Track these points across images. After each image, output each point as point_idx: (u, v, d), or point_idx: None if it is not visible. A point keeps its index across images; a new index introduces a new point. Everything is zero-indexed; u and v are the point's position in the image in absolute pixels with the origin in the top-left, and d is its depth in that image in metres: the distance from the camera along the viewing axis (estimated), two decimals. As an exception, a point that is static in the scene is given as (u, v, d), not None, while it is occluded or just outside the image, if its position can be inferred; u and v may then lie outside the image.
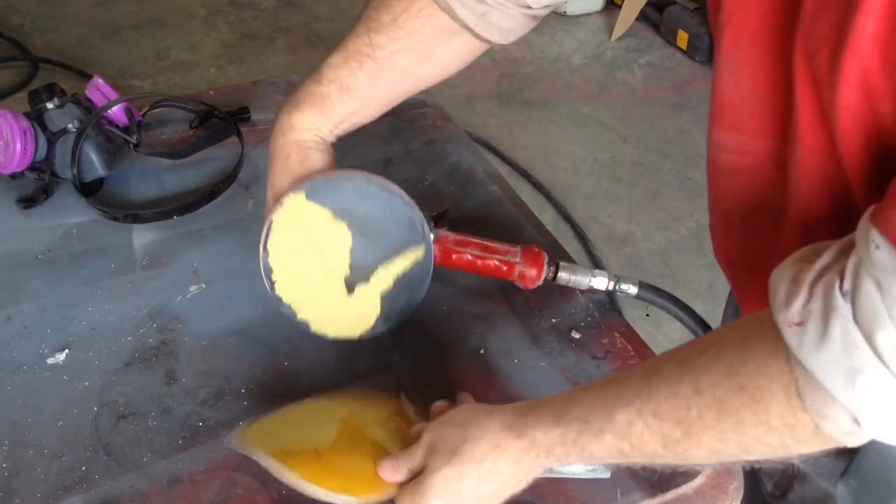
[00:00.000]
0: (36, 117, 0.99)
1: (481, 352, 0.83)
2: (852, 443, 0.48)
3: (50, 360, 0.80)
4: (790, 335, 0.46)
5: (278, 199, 0.76)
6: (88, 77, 1.36)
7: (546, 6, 0.75)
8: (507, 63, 3.20)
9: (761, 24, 0.56)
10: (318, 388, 0.78)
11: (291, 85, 1.24)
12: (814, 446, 0.49)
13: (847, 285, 0.44)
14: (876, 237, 0.43)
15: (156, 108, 1.14)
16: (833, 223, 0.56)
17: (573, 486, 0.71)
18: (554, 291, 0.90)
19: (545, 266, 0.84)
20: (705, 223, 0.80)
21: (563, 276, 0.85)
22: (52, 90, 1.00)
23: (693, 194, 2.57)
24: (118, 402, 0.77)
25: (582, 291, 0.91)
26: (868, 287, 0.43)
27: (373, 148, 1.12)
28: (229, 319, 0.86)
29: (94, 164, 1.00)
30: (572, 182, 2.63)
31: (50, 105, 0.99)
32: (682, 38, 3.23)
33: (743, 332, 0.52)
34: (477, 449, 0.60)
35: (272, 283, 0.77)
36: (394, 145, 1.13)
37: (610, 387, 0.58)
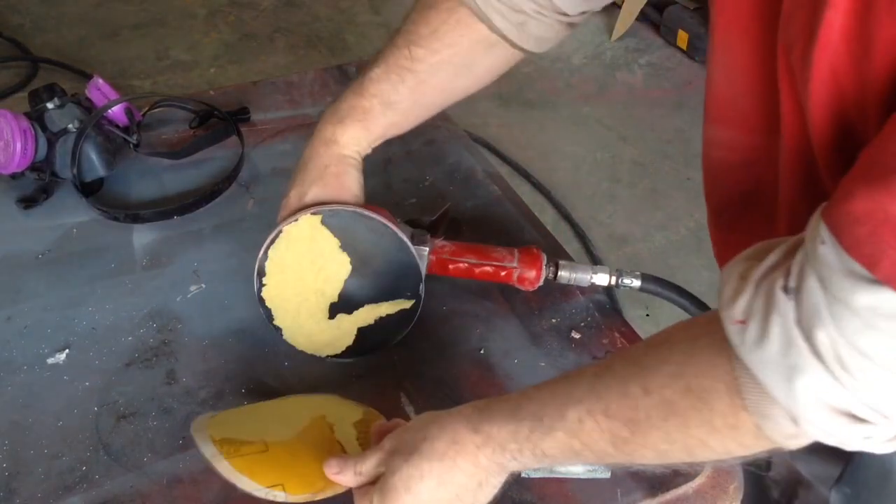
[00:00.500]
0: (36, 117, 0.99)
1: (481, 352, 0.84)
2: (793, 446, 0.47)
3: (50, 360, 0.80)
4: (733, 333, 0.46)
5: (301, 203, 0.77)
6: (88, 77, 1.36)
7: (582, 13, 0.75)
8: (507, 63, 3.20)
9: (750, 19, 0.56)
10: (318, 388, 0.79)
11: (291, 85, 1.24)
12: (755, 448, 0.49)
13: (792, 282, 0.43)
14: (823, 232, 0.42)
15: (156, 108, 1.14)
16: None
17: (573, 486, 0.71)
18: (554, 291, 0.90)
19: (544, 267, 0.84)
20: (705, 223, 0.79)
21: (564, 274, 0.85)
22: (52, 90, 1.00)
23: (693, 194, 2.57)
24: (118, 402, 0.77)
25: (582, 291, 0.91)
26: (811, 284, 0.42)
27: (373, 148, 1.12)
28: (229, 319, 0.86)
29: (95, 164, 1.00)
30: (572, 182, 2.63)
31: (50, 105, 0.99)
32: (682, 38, 3.23)
33: (691, 331, 0.52)
34: (436, 445, 0.59)
35: (261, 285, 0.79)
36: (394, 145, 1.13)
37: (563, 384, 0.58)
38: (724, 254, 0.76)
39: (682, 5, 3.27)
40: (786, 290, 0.44)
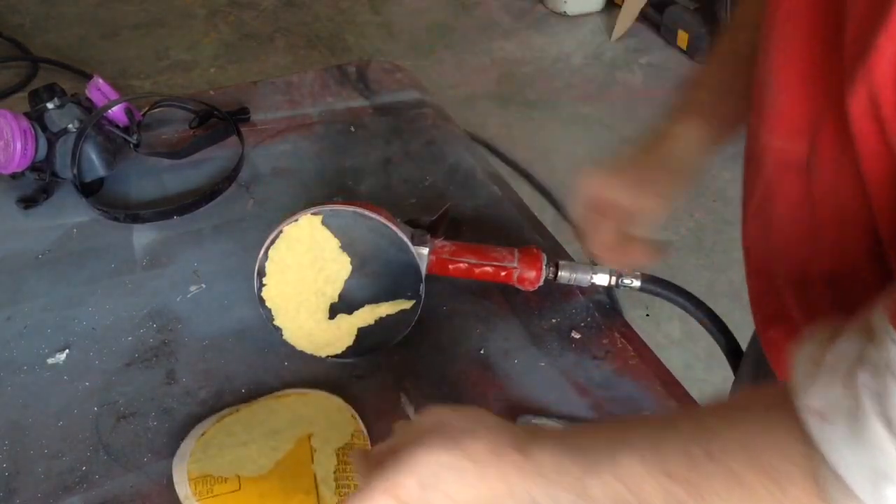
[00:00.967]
0: (36, 117, 0.99)
1: (481, 352, 0.84)
2: None
3: (50, 360, 0.80)
4: (814, 426, 0.43)
5: (601, 191, 0.75)
6: (88, 77, 1.36)
7: None
8: (507, 63, 3.21)
9: (811, 21, 0.54)
10: (317, 388, 0.78)
11: (291, 85, 1.24)
12: None
13: (872, 384, 0.41)
14: (893, 334, 0.40)
15: (156, 108, 1.14)
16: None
17: (573, 486, 0.71)
18: (554, 291, 0.90)
19: (544, 267, 0.84)
20: (705, 223, 0.79)
21: (564, 274, 0.85)
22: (52, 90, 1.00)
23: (693, 194, 2.57)
24: (118, 402, 0.77)
25: (582, 291, 0.91)
26: (893, 389, 0.40)
27: (373, 148, 1.12)
28: (229, 319, 0.86)
29: (95, 164, 1.00)
30: (572, 182, 2.62)
31: (50, 105, 0.99)
32: (682, 38, 3.23)
33: (764, 401, 0.48)
34: (476, 445, 0.53)
35: (261, 285, 0.79)
36: (394, 145, 1.13)
37: (619, 428, 0.54)
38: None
39: (682, 5, 3.27)
40: (868, 390, 0.41)
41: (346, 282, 0.79)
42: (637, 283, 0.85)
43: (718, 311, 0.92)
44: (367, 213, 0.77)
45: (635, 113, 2.94)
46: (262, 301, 0.80)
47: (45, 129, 0.99)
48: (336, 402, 0.76)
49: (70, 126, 0.99)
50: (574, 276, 0.85)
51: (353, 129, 1.16)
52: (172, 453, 0.72)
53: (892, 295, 0.42)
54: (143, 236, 0.95)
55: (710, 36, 3.13)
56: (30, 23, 3.28)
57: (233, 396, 0.78)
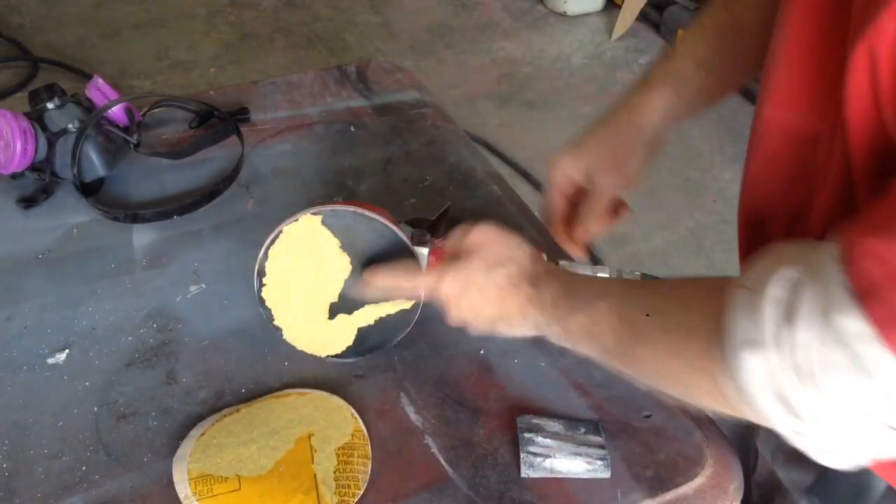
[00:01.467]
0: (36, 117, 0.99)
1: (481, 352, 0.84)
2: (747, 415, 0.50)
3: (50, 360, 0.80)
4: (730, 293, 0.50)
5: (576, 167, 0.77)
6: (88, 77, 1.36)
7: None
8: (507, 63, 3.21)
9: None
10: (317, 388, 0.79)
11: (291, 85, 1.24)
12: (717, 402, 0.53)
13: (792, 275, 0.46)
14: (832, 247, 0.45)
15: (156, 108, 1.14)
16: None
17: (573, 486, 0.71)
18: (554, 291, 0.90)
19: (545, 266, 0.84)
20: (705, 223, 0.79)
21: (563, 275, 0.85)
22: (52, 90, 1.01)
23: (693, 194, 2.57)
24: (118, 402, 0.77)
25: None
26: (809, 289, 0.45)
27: (373, 148, 1.12)
28: (229, 319, 0.86)
29: (95, 164, 1.00)
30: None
31: (50, 105, 0.99)
32: (682, 38, 3.23)
33: (710, 280, 0.56)
34: (501, 275, 0.67)
35: (261, 285, 0.79)
36: (394, 145, 1.13)
37: (604, 283, 0.67)
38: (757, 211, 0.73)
39: (682, 5, 3.27)
40: (790, 279, 0.46)
41: (346, 282, 0.79)
42: (637, 283, 0.85)
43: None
44: (367, 213, 0.77)
45: (635, 113, 2.93)
46: (262, 301, 0.80)
47: (45, 129, 0.99)
48: (336, 401, 0.76)
49: (70, 126, 0.99)
50: (574, 275, 0.85)
51: (353, 129, 1.16)
52: (172, 453, 0.72)
53: (846, 224, 0.46)
54: (143, 236, 0.95)
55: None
56: (30, 23, 3.28)
57: (233, 396, 0.78)
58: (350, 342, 0.81)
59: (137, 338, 0.83)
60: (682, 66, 0.75)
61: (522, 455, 0.72)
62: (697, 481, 0.72)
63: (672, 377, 0.57)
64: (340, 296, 0.80)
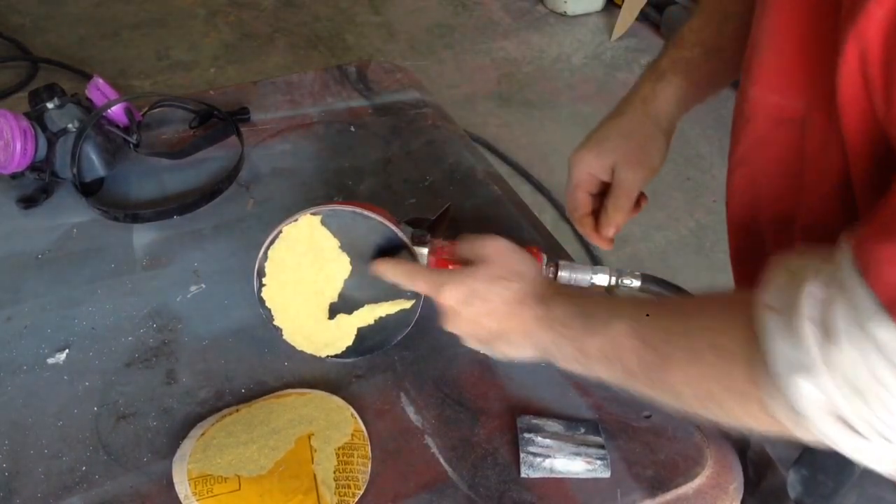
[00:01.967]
0: (36, 117, 0.99)
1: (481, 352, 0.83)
2: (800, 435, 0.49)
3: (50, 360, 0.80)
4: (761, 316, 0.49)
5: (598, 161, 0.76)
6: (88, 77, 1.36)
7: None
8: (507, 63, 3.21)
9: None
10: (317, 388, 0.79)
11: (291, 85, 1.24)
12: (764, 423, 0.51)
13: (818, 293, 0.46)
14: (848, 256, 0.44)
15: (156, 108, 1.14)
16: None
17: (573, 486, 0.71)
18: (554, 291, 0.90)
19: (544, 266, 0.84)
20: (705, 223, 0.79)
21: (564, 274, 0.85)
22: (52, 90, 1.00)
23: (693, 194, 2.57)
24: (118, 402, 0.77)
25: (583, 290, 0.91)
26: (838, 303, 0.44)
27: (373, 148, 1.12)
28: (229, 319, 0.86)
29: (94, 164, 1.00)
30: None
31: (50, 105, 0.99)
32: (682, 38, 3.23)
33: (735, 296, 0.55)
34: (508, 291, 0.65)
35: (261, 285, 0.79)
36: (394, 145, 1.13)
37: (617, 301, 0.65)
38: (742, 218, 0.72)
39: (682, 5, 3.27)
40: (815, 298, 0.46)
41: (346, 282, 0.79)
42: (637, 283, 0.85)
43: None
44: (366, 213, 0.77)
45: (635, 113, 2.94)
46: (261, 301, 0.80)
47: (45, 129, 0.99)
48: (336, 401, 0.76)
49: (70, 126, 0.99)
50: (574, 276, 0.85)
51: (353, 129, 1.16)
52: (172, 453, 0.72)
53: (855, 227, 0.45)
54: (143, 236, 0.95)
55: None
56: (30, 23, 3.28)
57: (233, 396, 0.78)
58: (350, 342, 0.81)
59: (137, 338, 0.83)
60: (691, 54, 0.75)
61: (522, 455, 0.72)
62: (697, 481, 0.72)
63: (709, 401, 0.54)
64: (340, 296, 0.80)
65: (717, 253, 2.34)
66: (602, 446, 0.74)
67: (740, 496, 0.73)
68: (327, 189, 1.04)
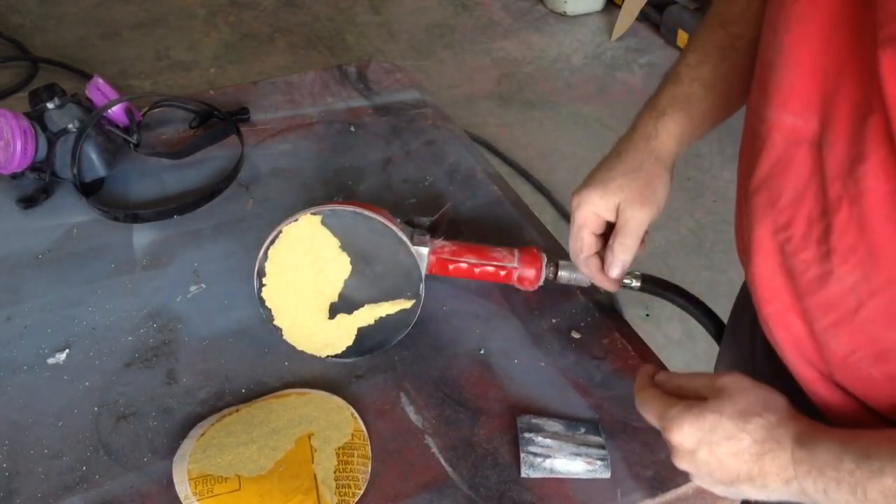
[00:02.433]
0: (36, 117, 0.99)
1: (481, 352, 0.84)
2: None
3: (50, 360, 0.80)
4: None
5: (603, 200, 0.74)
6: (88, 77, 1.36)
7: None
8: (507, 63, 3.21)
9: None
10: (317, 388, 0.79)
11: (291, 85, 1.24)
12: None
13: None
14: None
15: (156, 108, 1.14)
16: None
17: (573, 486, 0.71)
18: (554, 291, 0.90)
19: (544, 267, 0.84)
20: (705, 223, 0.79)
21: (564, 274, 0.85)
22: (52, 90, 1.00)
23: (693, 194, 2.57)
24: (118, 402, 0.77)
25: (582, 291, 0.91)
26: None
27: (373, 148, 1.12)
28: (229, 319, 0.86)
29: (95, 164, 1.00)
30: (572, 182, 2.62)
31: (50, 105, 0.99)
32: (682, 38, 3.23)
33: None
34: (760, 432, 0.58)
35: (261, 285, 0.79)
36: (394, 145, 1.13)
37: (892, 435, 0.55)
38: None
39: (682, 5, 3.27)
40: None
41: (346, 282, 0.79)
42: (637, 283, 0.85)
43: (718, 311, 0.92)
44: (366, 213, 0.77)
45: (635, 113, 2.94)
46: (262, 301, 0.80)
47: (45, 129, 0.99)
48: (336, 401, 0.76)
49: (70, 126, 0.99)
50: (574, 276, 0.85)
51: (353, 129, 1.16)
52: (172, 453, 0.72)
53: None
54: (143, 236, 0.95)
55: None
56: (30, 23, 3.28)
57: (233, 396, 0.78)
58: (350, 342, 0.81)
59: (137, 338, 0.83)
60: (690, 90, 0.74)
61: (522, 455, 0.72)
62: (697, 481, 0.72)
63: None
64: (340, 296, 0.80)
65: (717, 253, 2.34)
66: (602, 446, 0.74)
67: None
68: (327, 189, 1.04)
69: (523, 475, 0.72)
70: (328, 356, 0.81)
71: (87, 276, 0.90)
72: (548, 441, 0.73)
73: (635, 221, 0.74)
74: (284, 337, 0.81)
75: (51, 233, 0.95)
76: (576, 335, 0.86)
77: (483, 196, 1.05)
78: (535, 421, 0.76)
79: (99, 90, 1.05)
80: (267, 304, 0.80)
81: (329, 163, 1.09)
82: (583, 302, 0.90)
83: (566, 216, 2.47)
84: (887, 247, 0.53)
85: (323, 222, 0.77)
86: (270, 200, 1.02)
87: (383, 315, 0.80)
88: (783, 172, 0.60)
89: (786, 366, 0.66)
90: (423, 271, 0.81)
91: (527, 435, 0.74)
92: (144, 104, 1.13)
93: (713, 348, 0.95)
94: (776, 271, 0.62)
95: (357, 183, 1.06)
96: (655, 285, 0.87)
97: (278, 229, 0.77)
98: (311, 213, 0.77)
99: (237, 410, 0.75)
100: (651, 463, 0.74)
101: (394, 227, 0.77)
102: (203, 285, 0.90)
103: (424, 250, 0.82)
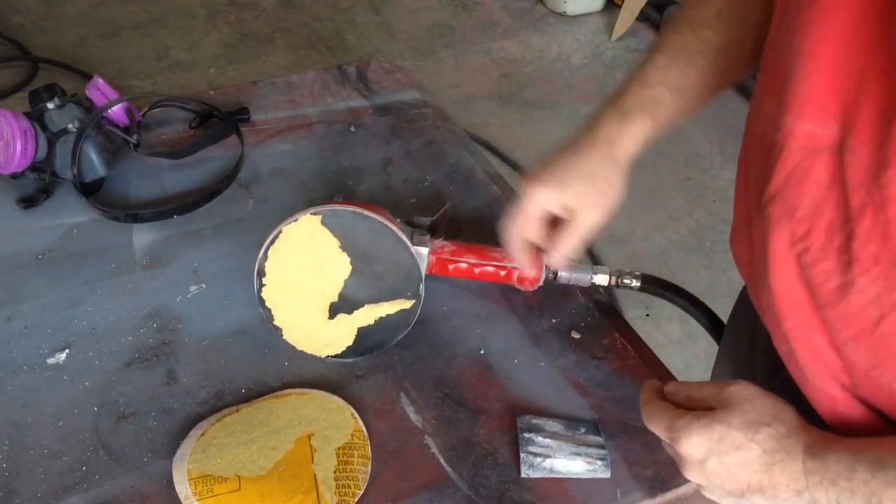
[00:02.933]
0: (36, 117, 0.99)
1: (481, 352, 0.84)
2: None
3: (50, 360, 0.80)
4: None
5: (556, 197, 0.72)
6: (88, 77, 1.36)
7: None
8: (507, 63, 3.21)
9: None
10: (317, 388, 0.79)
11: (291, 85, 1.24)
12: None
13: None
14: None
15: (156, 108, 1.14)
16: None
17: (573, 486, 0.71)
18: (554, 291, 0.90)
19: (544, 267, 0.85)
20: (705, 223, 0.79)
21: (564, 274, 0.85)
22: (52, 90, 1.00)
23: (693, 194, 2.57)
24: (118, 402, 0.77)
25: (582, 291, 0.91)
26: None
27: (373, 148, 1.12)
28: (229, 319, 0.86)
29: (95, 164, 1.00)
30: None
31: (50, 105, 0.99)
32: (682, 38, 3.23)
33: None
34: (769, 442, 0.58)
35: (261, 285, 0.79)
36: (394, 145, 1.13)
37: None
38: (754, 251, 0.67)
39: (681, 5, 3.27)
40: None
41: (346, 282, 0.79)
42: (637, 283, 0.85)
43: (718, 311, 0.92)
44: (366, 213, 0.77)
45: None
46: (262, 301, 0.80)
47: (45, 129, 0.99)
48: (336, 401, 0.77)
49: (70, 126, 0.99)
50: (574, 276, 0.85)
51: (353, 129, 1.16)
52: (172, 453, 0.72)
53: None
54: (143, 236, 0.95)
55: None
56: (30, 23, 3.28)
57: (233, 396, 0.78)
58: (350, 342, 0.81)
59: (137, 338, 0.83)
60: (657, 94, 0.74)
61: (522, 455, 0.73)
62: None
63: None
64: (340, 296, 0.80)
65: (716, 253, 2.34)
66: (602, 446, 0.74)
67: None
68: (327, 189, 1.04)
69: (523, 475, 0.72)
70: (328, 356, 0.81)
71: (87, 276, 0.90)
72: (548, 441, 0.73)
73: (587, 224, 0.74)
74: (284, 337, 0.81)
75: (51, 233, 0.95)
76: (576, 335, 0.86)
77: (483, 196, 1.05)
78: (535, 421, 0.76)
79: (99, 90, 1.05)
80: (267, 304, 0.80)
81: (329, 163, 1.09)
82: (583, 302, 0.90)
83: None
84: None
85: (323, 222, 0.77)
86: (270, 200, 1.02)
87: (383, 315, 0.80)
88: (801, 182, 0.59)
89: (796, 378, 0.65)
90: (423, 271, 0.81)
91: (527, 435, 0.74)
92: (144, 104, 1.13)
93: (713, 348, 0.95)
94: (794, 283, 0.61)
95: (357, 183, 1.06)
96: (655, 285, 0.87)
97: (278, 229, 0.77)
98: (311, 213, 0.77)
99: (237, 410, 0.75)
100: (651, 463, 0.74)
101: (394, 227, 0.78)
102: (203, 285, 0.90)
103: (424, 250, 0.82)
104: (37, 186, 1.00)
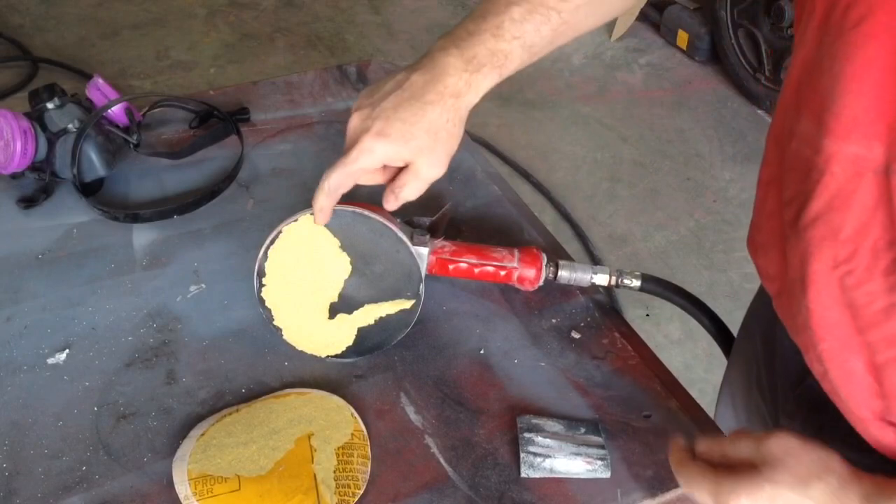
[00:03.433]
0: (36, 117, 0.99)
1: (481, 352, 0.84)
2: None
3: (50, 360, 0.80)
4: None
5: (395, 149, 0.71)
6: (88, 77, 1.36)
7: None
8: (507, 63, 3.20)
9: None
10: (317, 388, 0.79)
11: (291, 85, 1.24)
12: None
13: None
14: None
15: (156, 108, 1.14)
16: None
17: (573, 486, 0.71)
18: (554, 291, 0.90)
19: (544, 266, 0.85)
20: (705, 223, 0.79)
21: (564, 274, 0.85)
22: (52, 90, 1.00)
23: (693, 194, 2.57)
24: (118, 402, 0.77)
25: (582, 291, 0.91)
26: None
27: (373, 148, 1.12)
28: (229, 319, 0.86)
29: (95, 164, 1.00)
30: (572, 182, 2.63)
31: (50, 105, 0.99)
32: (682, 38, 3.24)
33: None
34: (824, 497, 0.56)
35: (261, 285, 0.79)
36: (394, 145, 1.13)
37: None
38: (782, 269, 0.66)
39: (681, 5, 3.27)
40: None
41: (346, 282, 0.79)
42: (637, 283, 0.85)
43: (718, 311, 0.92)
44: (366, 213, 0.77)
45: (635, 113, 2.94)
46: (262, 301, 0.80)
47: (45, 129, 0.99)
48: (336, 401, 0.77)
49: (70, 126, 0.99)
50: (574, 276, 0.85)
51: (353, 129, 1.16)
52: (172, 453, 0.72)
53: None
54: (143, 236, 0.95)
55: (710, 36, 3.13)
56: (30, 23, 3.28)
57: (233, 396, 0.78)
58: (350, 342, 0.81)
59: (137, 338, 0.83)
60: (510, 49, 0.73)
61: (522, 455, 0.73)
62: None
63: None
64: (340, 296, 0.80)
65: (716, 253, 2.34)
66: (602, 446, 0.74)
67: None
68: (327, 189, 1.04)
69: (523, 475, 0.72)
70: (328, 356, 0.81)
71: (87, 276, 0.90)
72: (548, 441, 0.73)
73: (429, 177, 0.73)
74: (284, 337, 0.81)
75: (51, 233, 0.95)
76: (576, 335, 0.86)
77: (483, 196, 1.05)
78: (535, 421, 0.76)
79: (99, 90, 1.05)
80: (267, 304, 0.80)
81: (329, 163, 1.09)
82: (583, 302, 0.90)
83: (566, 216, 2.47)
84: None
85: None
86: (270, 200, 1.02)
87: (383, 315, 0.80)
88: (845, 204, 0.58)
89: (837, 405, 0.65)
90: (423, 271, 0.81)
91: (527, 435, 0.74)
92: (144, 104, 1.13)
93: (713, 348, 0.95)
94: (834, 305, 0.60)
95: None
96: (655, 285, 0.87)
97: (278, 229, 0.77)
98: (311, 213, 0.77)
99: (237, 410, 0.75)
100: (651, 463, 0.74)
101: (394, 227, 0.78)
102: (203, 285, 0.90)
103: (424, 250, 0.82)
104: (37, 186, 1.00)
